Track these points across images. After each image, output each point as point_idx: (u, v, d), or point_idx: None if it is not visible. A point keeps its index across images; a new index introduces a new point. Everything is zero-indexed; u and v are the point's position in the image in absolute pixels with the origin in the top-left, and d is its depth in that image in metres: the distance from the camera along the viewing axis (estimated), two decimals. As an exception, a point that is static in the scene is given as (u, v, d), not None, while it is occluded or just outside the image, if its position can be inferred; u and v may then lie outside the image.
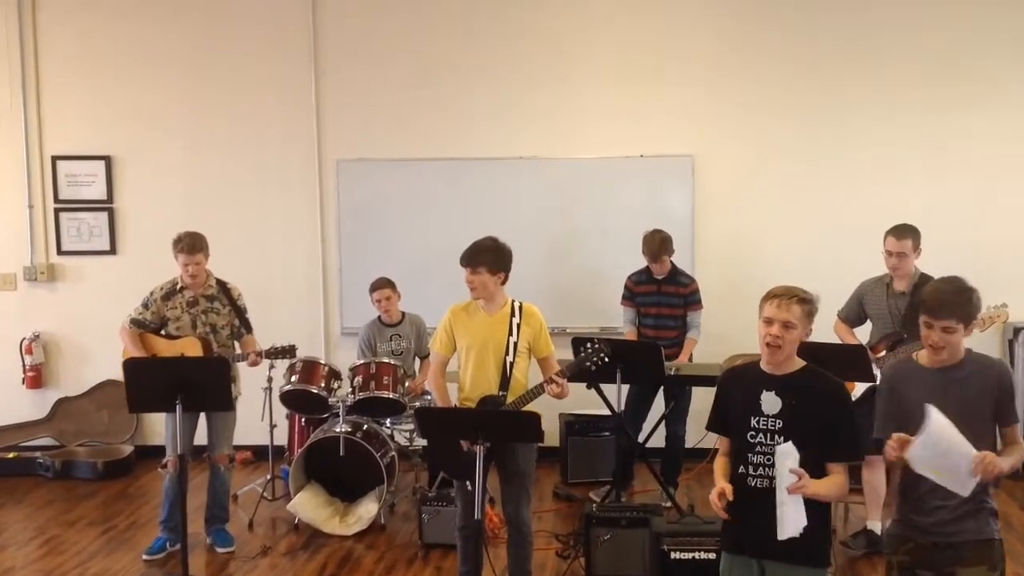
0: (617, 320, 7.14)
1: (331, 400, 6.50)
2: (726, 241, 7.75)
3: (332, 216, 8.05)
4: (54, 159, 8.13)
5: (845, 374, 4.04)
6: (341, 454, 6.28)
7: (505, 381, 4.90)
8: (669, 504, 6.40)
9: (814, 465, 3.51)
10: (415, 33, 7.88)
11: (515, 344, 4.93)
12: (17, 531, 6.60)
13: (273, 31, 7.95)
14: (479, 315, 4.99)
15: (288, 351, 6.19)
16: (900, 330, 5.78)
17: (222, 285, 6.15)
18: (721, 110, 7.74)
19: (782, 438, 3.52)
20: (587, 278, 7.80)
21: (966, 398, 3.45)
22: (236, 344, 6.20)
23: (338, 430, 6.33)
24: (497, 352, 4.92)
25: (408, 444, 7.06)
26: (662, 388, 6.80)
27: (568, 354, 5.79)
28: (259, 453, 7.69)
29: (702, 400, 6.36)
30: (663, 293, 6.85)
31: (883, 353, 5.75)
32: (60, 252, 8.21)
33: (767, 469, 3.54)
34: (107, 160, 8.10)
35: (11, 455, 7.93)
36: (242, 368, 6.15)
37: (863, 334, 6.12)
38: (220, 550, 6.11)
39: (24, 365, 8.17)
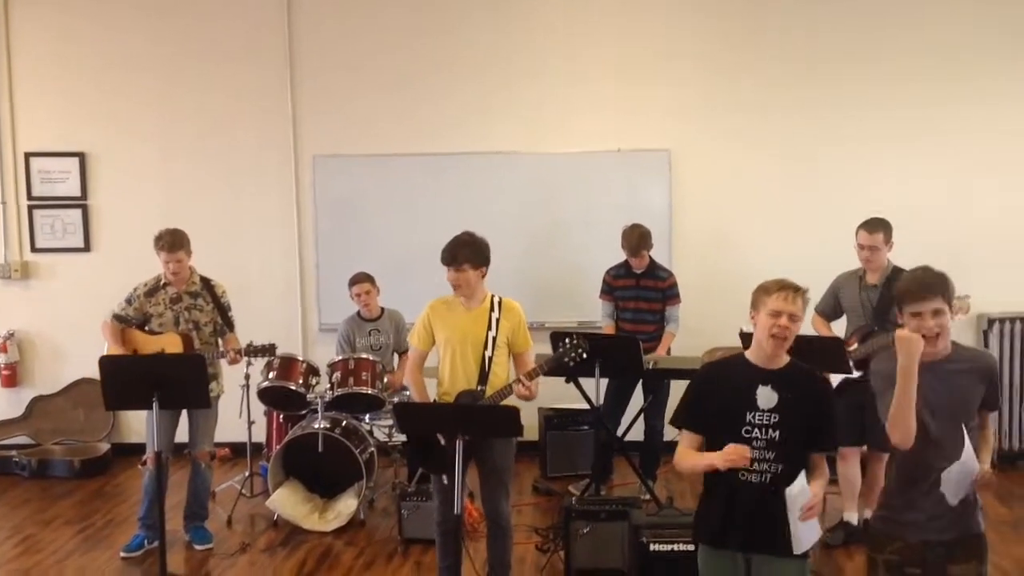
0: (596, 314, 7.15)
1: (309, 396, 6.48)
2: (703, 235, 7.77)
3: (309, 212, 8.02)
4: (27, 155, 8.07)
5: (822, 366, 4.06)
6: (320, 450, 6.27)
7: (484, 375, 4.89)
8: (648, 497, 6.43)
9: (802, 457, 3.56)
10: (393, 29, 7.86)
11: (494, 338, 4.92)
12: (-7, 530, 6.57)
13: (248, 28, 7.92)
14: (458, 309, 4.98)
15: (268, 350, 6.19)
16: (871, 322, 5.83)
17: (206, 282, 6.13)
18: (697, 105, 7.76)
19: (776, 433, 3.52)
20: (566, 272, 7.81)
21: (960, 391, 3.45)
22: (219, 341, 6.18)
23: (317, 426, 6.32)
24: (476, 346, 4.91)
25: (387, 440, 7.06)
26: (640, 382, 6.82)
27: (547, 348, 5.81)
28: (237, 450, 7.67)
29: (680, 394, 6.38)
30: (641, 287, 6.87)
31: (855, 346, 5.79)
32: (34, 249, 8.15)
33: (761, 464, 3.53)
34: (81, 157, 8.04)
35: (-14, 454, 7.88)
36: (223, 365, 6.12)
37: (839, 328, 6.17)
38: (198, 547, 6.09)
39: (-1, 363, 8.12)
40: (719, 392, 3.67)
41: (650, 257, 6.87)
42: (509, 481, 5.03)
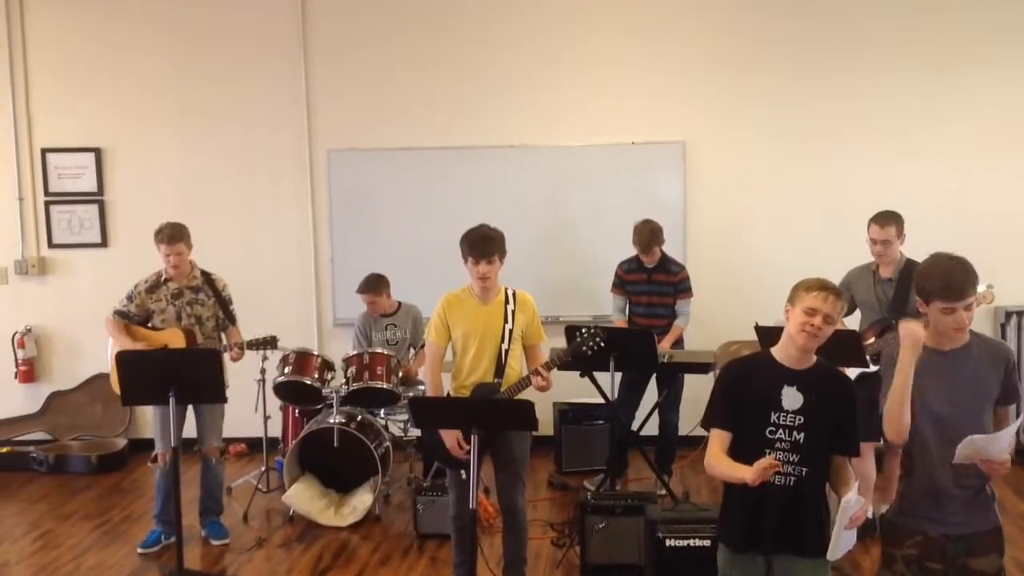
0: (609, 307, 7.13)
1: (325, 391, 6.49)
2: (718, 228, 7.74)
3: (324, 206, 8.03)
4: (43, 151, 8.10)
5: (839, 359, 4.03)
6: (335, 445, 6.29)
7: (500, 368, 4.90)
8: (663, 492, 6.41)
9: (827, 460, 3.55)
10: (405, 23, 7.86)
11: (510, 331, 4.92)
12: (11, 526, 6.60)
13: (263, 22, 7.92)
14: (473, 303, 4.97)
15: (269, 342, 6.16)
16: (888, 316, 5.79)
17: (207, 276, 6.13)
18: (712, 96, 7.73)
19: (801, 435, 3.48)
20: (579, 266, 7.80)
21: (974, 379, 3.41)
22: (222, 335, 6.18)
23: (332, 421, 6.33)
24: (493, 339, 4.91)
25: (402, 434, 7.07)
26: (654, 376, 6.81)
27: (561, 342, 5.79)
28: (253, 445, 7.69)
29: (695, 387, 6.39)
30: (653, 281, 6.85)
31: (872, 340, 5.77)
32: (51, 245, 8.18)
33: (786, 466, 3.48)
34: (97, 152, 8.07)
35: (4, 450, 7.92)
36: (227, 360, 6.12)
37: (852, 324, 6.15)
38: (215, 542, 6.11)
39: (16, 359, 8.15)
40: (745, 390, 3.59)
41: (662, 251, 6.85)
42: (525, 474, 5.03)
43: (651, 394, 6.87)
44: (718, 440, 3.60)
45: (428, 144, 7.85)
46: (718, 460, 3.55)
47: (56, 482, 7.51)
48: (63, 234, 8.16)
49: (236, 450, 7.94)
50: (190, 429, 5.99)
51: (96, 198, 8.11)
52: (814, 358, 3.57)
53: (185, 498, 5.46)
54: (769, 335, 4.68)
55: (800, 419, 3.49)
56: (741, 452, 3.51)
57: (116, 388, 5.94)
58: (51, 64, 8.06)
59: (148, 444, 6.13)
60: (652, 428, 6.85)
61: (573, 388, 6.59)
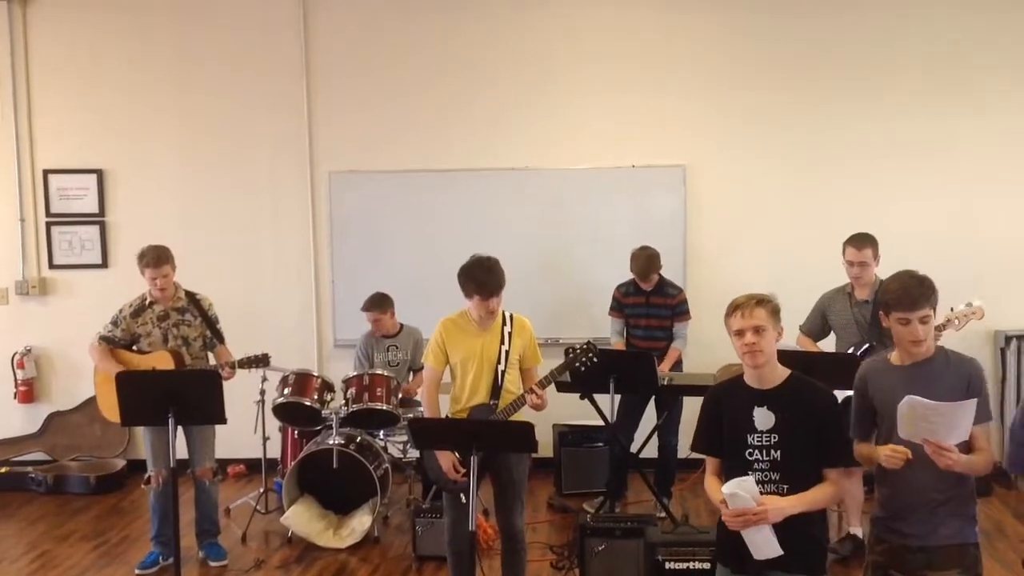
0: (609, 330, 7.13)
1: (324, 412, 6.49)
2: (718, 251, 7.76)
3: (324, 228, 8.05)
4: (45, 172, 8.13)
5: (836, 382, 4.05)
6: (334, 467, 6.27)
7: (496, 390, 4.90)
8: (663, 514, 6.40)
9: (813, 474, 3.55)
10: (406, 46, 7.90)
11: (507, 353, 4.93)
12: (9, 546, 6.58)
13: (265, 45, 7.97)
14: (471, 327, 4.98)
15: (261, 360, 6.14)
16: (867, 338, 5.85)
17: (191, 296, 6.11)
18: (713, 120, 7.76)
19: (778, 453, 3.53)
20: (580, 288, 7.81)
21: (937, 393, 3.42)
22: (209, 356, 6.17)
23: (331, 442, 6.32)
24: (490, 362, 4.92)
25: (402, 456, 7.06)
26: (654, 398, 6.81)
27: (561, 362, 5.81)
28: (252, 466, 7.68)
29: (694, 410, 6.32)
30: (651, 304, 6.86)
31: None
32: (52, 266, 8.19)
33: (767, 485, 3.53)
34: (99, 174, 8.09)
35: (3, 470, 7.90)
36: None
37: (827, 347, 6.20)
38: (213, 564, 6.09)
39: (16, 380, 8.15)
40: (722, 415, 3.70)
41: (659, 275, 6.86)
42: (524, 496, 5.02)
43: (651, 416, 6.87)
44: (710, 465, 3.77)
45: (429, 166, 7.88)
46: (710, 486, 3.72)
47: (54, 502, 7.50)
48: (64, 255, 8.18)
49: (235, 471, 7.92)
50: (181, 451, 5.98)
51: (97, 219, 8.13)
52: (784, 374, 3.63)
53: (182, 520, 5.45)
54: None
55: (775, 437, 3.55)
56: (728, 475, 3.61)
57: (104, 411, 5.97)
58: (54, 85, 8.10)
59: (146, 465, 6.11)
60: (652, 451, 6.83)
61: (573, 410, 6.59)
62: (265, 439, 6.84)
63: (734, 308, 3.60)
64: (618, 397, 6.40)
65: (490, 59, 7.88)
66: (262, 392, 6.71)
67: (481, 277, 4.86)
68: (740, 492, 3.42)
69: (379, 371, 6.67)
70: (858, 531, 5.87)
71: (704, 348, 7.03)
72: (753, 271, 7.57)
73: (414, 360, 7.07)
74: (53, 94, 8.11)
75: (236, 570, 6.03)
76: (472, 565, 4.72)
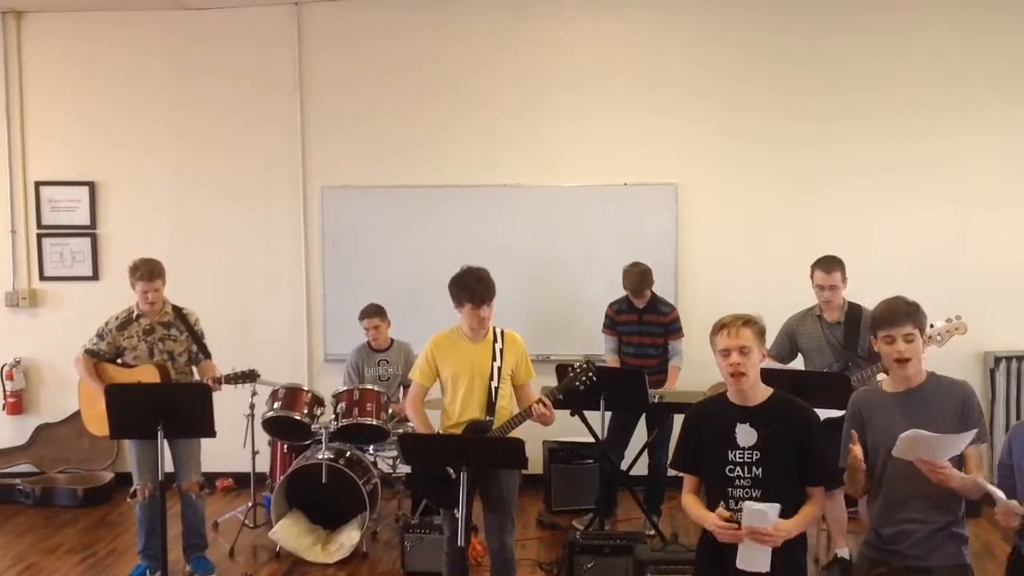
0: (601, 347, 7.13)
1: (314, 427, 6.48)
2: (709, 269, 7.77)
3: (316, 243, 8.05)
4: (37, 184, 8.12)
5: (826, 402, 4.07)
6: (323, 481, 6.26)
7: (491, 406, 4.90)
8: (652, 532, 6.39)
9: (793, 492, 3.56)
10: (400, 62, 7.92)
11: (499, 369, 4.93)
12: (-5, 559, 6.55)
13: (258, 59, 7.99)
14: (462, 343, 4.99)
15: (248, 376, 6.13)
16: (840, 360, 5.88)
17: (178, 311, 6.08)
18: (705, 139, 7.79)
19: (760, 470, 3.54)
20: (571, 305, 7.81)
21: (931, 419, 3.45)
22: (194, 370, 6.14)
23: (321, 457, 6.31)
24: (482, 378, 4.92)
25: (391, 471, 7.04)
26: (644, 415, 6.81)
27: (551, 381, 5.80)
28: (241, 480, 7.65)
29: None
30: (644, 322, 6.87)
31: None
32: (43, 278, 8.18)
33: (749, 502, 3.53)
34: (91, 186, 8.09)
35: (-10, 482, 7.87)
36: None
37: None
38: (200, 577, 6.07)
39: (4, 391, 8.13)
40: (704, 432, 3.72)
41: (652, 292, 6.87)
42: (514, 513, 5.01)
43: (641, 434, 6.87)
44: (688, 483, 3.81)
45: (421, 182, 7.89)
46: (687, 502, 3.78)
47: (42, 515, 7.47)
48: (55, 267, 8.16)
49: (223, 485, 7.90)
50: (168, 464, 5.96)
51: (89, 231, 8.13)
52: (767, 392, 3.66)
53: (169, 534, 5.43)
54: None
55: (756, 454, 3.57)
56: (708, 492, 3.69)
57: (88, 425, 5.95)
58: (46, 97, 8.11)
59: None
60: (642, 468, 6.84)
61: (563, 427, 6.58)
62: (254, 453, 6.82)
63: (720, 327, 3.63)
64: (608, 414, 6.41)
65: (483, 76, 7.91)
66: (252, 406, 6.70)
67: (472, 285, 4.88)
68: (768, 512, 3.42)
69: (369, 386, 6.67)
70: (844, 552, 5.86)
71: (695, 366, 7.00)
72: (744, 290, 7.56)
73: (404, 376, 7.05)
74: (46, 106, 8.12)
75: (224, 584, 6.01)
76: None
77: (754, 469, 3.55)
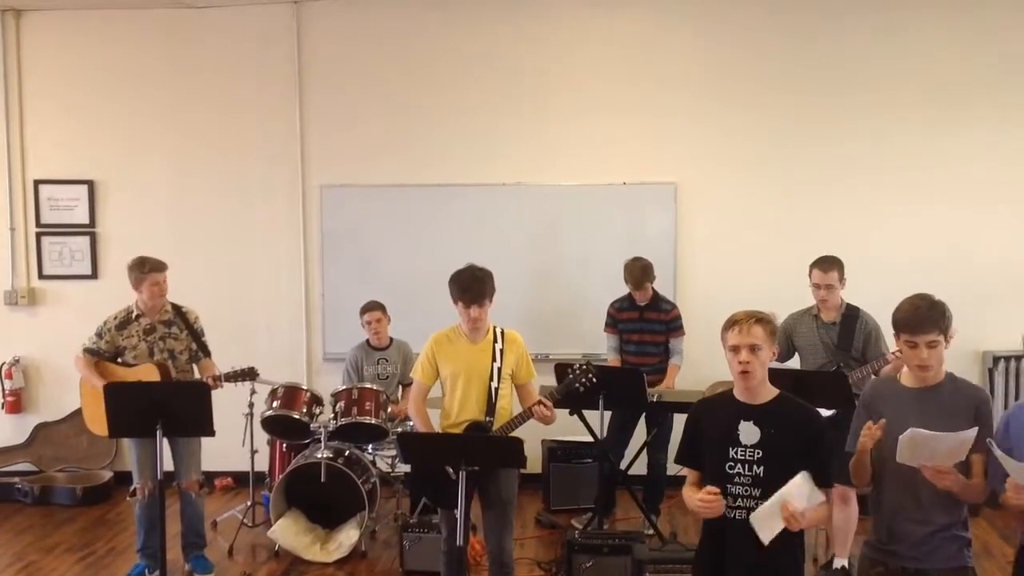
0: (600, 346, 7.15)
1: (313, 426, 6.48)
2: (709, 268, 7.78)
3: (315, 242, 8.05)
4: (36, 183, 8.12)
5: (824, 401, 4.07)
6: (322, 480, 6.26)
7: (491, 407, 4.89)
8: (651, 531, 6.40)
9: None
10: (399, 60, 7.92)
11: (499, 369, 4.93)
12: (-6, 557, 6.55)
13: (258, 57, 7.98)
14: (462, 342, 4.99)
15: (248, 374, 6.14)
16: (833, 360, 5.89)
17: (177, 309, 6.09)
18: (704, 138, 7.79)
19: (761, 468, 3.53)
20: (570, 304, 7.81)
21: (944, 418, 3.44)
22: (194, 368, 6.15)
23: (319, 456, 6.31)
24: (481, 378, 4.91)
25: (390, 470, 7.05)
26: (644, 415, 6.81)
27: (552, 379, 5.81)
28: (240, 479, 7.65)
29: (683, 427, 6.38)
30: (645, 320, 6.87)
31: None
32: (41, 276, 8.18)
33: (746, 500, 3.53)
34: (90, 184, 8.09)
35: (-11, 480, 7.87)
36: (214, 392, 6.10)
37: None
38: (199, 576, 6.07)
39: (3, 390, 8.12)
40: (707, 429, 3.71)
41: (653, 289, 6.88)
42: (512, 515, 5.00)
43: (641, 433, 6.87)
44: (690, 476, 3.78)
45: (420, 181, 7.89)
46: (686, 495, 3.74)
47: (41, 513, 7.47)
48: (54, 265, 8.16)
49: (222, 484, 7.90)
50: (167, 463, 5.95)
51: (88, 230, 8.12)
52: (774, 392, 3.64)
53: (167, 532, 5.43)
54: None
55: (759, 453, 3.55)
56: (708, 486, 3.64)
57: (90, 423, 5.94)
58: (46, 95, 8.11)
59: (131, 477, 6.09)
60: (641, 467, 6.84)
61: (562, 426, 6.58)
62: (253, 452, 6.82)
63: (732, 323, 3.60)
64: (608, 413, 6.41)
65: (483, 75, 7.90)
66: (251, 405, 6.70)
67: (466, 283, 4.88)
68: (807, 488, 3.43)
69: (368, 385, 6.67)
70: (843, 562, 5.83)
71: (694, 365, 7.03)
72: (743, 288, 7.54)
73: (403, 375, 7.06)
74: (45, 104, 8.11)
75: (222, 583, 6.01)
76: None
77: (755, 467, 3.54)
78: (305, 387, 6.74)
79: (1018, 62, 7.53)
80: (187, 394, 5.28)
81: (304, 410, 6.51)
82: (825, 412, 3.97)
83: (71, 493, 7.68)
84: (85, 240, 8.13)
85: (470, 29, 7.89)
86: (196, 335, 6.11)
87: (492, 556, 5.00)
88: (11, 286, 8.14)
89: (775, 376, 3.70)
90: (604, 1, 7.78)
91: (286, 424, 6.54)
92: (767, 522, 3.43)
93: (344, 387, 6.67)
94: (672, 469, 6.74)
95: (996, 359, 7.51)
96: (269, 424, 6.58)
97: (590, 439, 6.48)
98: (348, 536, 6.39)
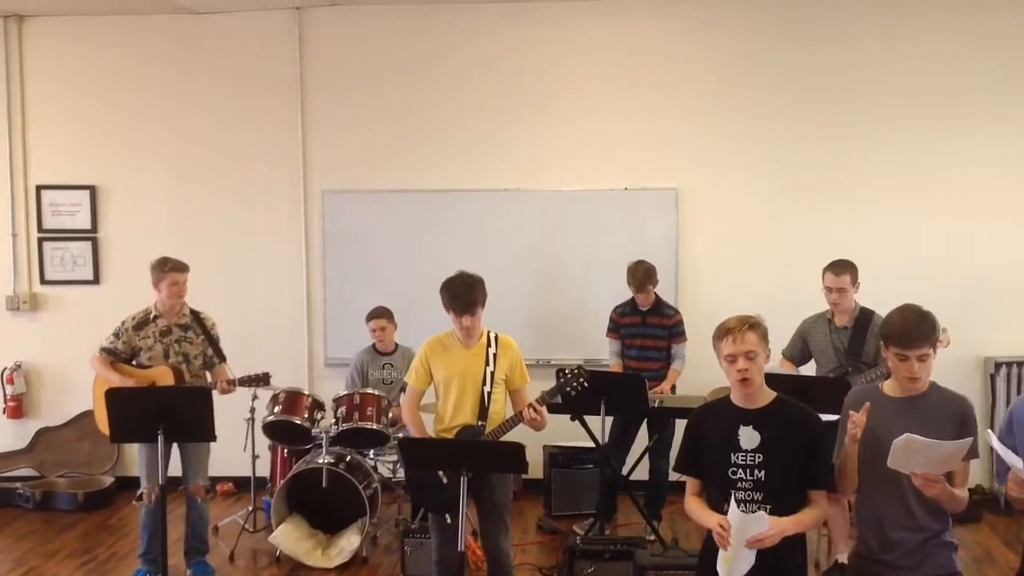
0: (601, 351, 7.16)
1: (314, 431, 6.48)
2: (710, 273, 7.77)
3: (317, 247, 8.05)
4: (38, 188, 8.13)
5: (826, 407, 4.06)
6: (324, 485, 6.26)
7: (484, 411, 4.90)
8: (653, 537, 6.39)
9: (795, 496, 3.55)
10: (401, 66, 7.93)
11: (492, 374, 4.93)
12: (-5, 563, 6.55)
13: (260, 63, 7.99)
14: (456, 347, 4.99)
15: (262, 379, 6.14)
16: (844, 364, 5.88)
17: (195, 315, 6.12)
18: (705, 143, 7.78)
19: (762, 472, 3.53)
20: (571, 310, 7.81)
21: (929, 428, 3.42)
22: (208, 374, 6.15)
23: (321, 461, 6.31)
24: (475, 383, 4.92)
25: (391, 475, 7.04)
26: (646, 420, 6.81)
27: (551, 385, 5.80)
28: (241, 484, 7.65)
29: (685, 433, 6.38)
30: (647, 324, 6.88)
31: None
32: (43, 281, 8.18)
33: (750, 505, 3.53)
34: (92, 190, 8.10)
35: (-10, 486, 7.86)
36: (216, 398, 6.10)
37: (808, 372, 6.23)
38: (200, 583, 6.06)
39: (5, 395, 8.13)
40: (707, 435, 3.71)
41: (656, 294, 6.88)
42: (508, 518, 5.00)
43: (642, 438, 6.87)
44: (691, 485, 3.78)
45: (421, 186, 7.89)
46: (690, 505, 3.75)
47: (42, 519, 7.46)
48: (56, 270, 8.17)
49: (223, 489, 7.90)
50: (175, 467, 5.96)
51: (90, 235, 8.13)
52: (771, 395, 3.65)
53: (170, 537, 5.43)
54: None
55: (759, 457, 3.55)
56: (709, 494, 3.67)
57: (101, 425, 5.94)
58: (48, 101, 8.12)
59: (135, 482, 6.09)
60: (642, 473, 6.83)
61: (563, 431, 6.59)
62: (255, 457, 6.83)
63: (725, 332, 3.59)
64: (609, 419, 6.40)
65: (484, 80, 7.91)
66: (252, 410, 6.70)
67: (456, 292, 4.89)
68: (764, 517, 3.44)
69: (370, 390, 6.66)
70: (844, 557, 5.86)
71: (696, 370, 7.01)
72: (745, 294, 7.56)
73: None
74: (47, 110, 8.12)
75: (223, 589, 6.01)
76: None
77: (756, 472, 3.54)
78: (307, 392, 6.72)
79: (1019, 67, 7.53)
80: (189, 399, 5.28)
81: (305, 415, 6.50)
82: (828, 417, 3.96)
83: (72, 498, 7.67)
84: (87, 245, 8.13)
85: (471, 34, 7.90)
86: (212, 340, 6.13)
87: (491, 558, 5.00)
88: (13, 291, 8.14)
89: (776, 382, 3.70)
90: (604, 6, 7.79)
91: (287, 429, 6.53)
92: (737, 564, 3.45)
93: (346, 392, 6.66)
94: (674, 475, 6.71)
95: (998, 365, 7.50)
96: (270, 429, 6.57)
97: (592, 444, 6.47)
98: (349, 542, 6.39)
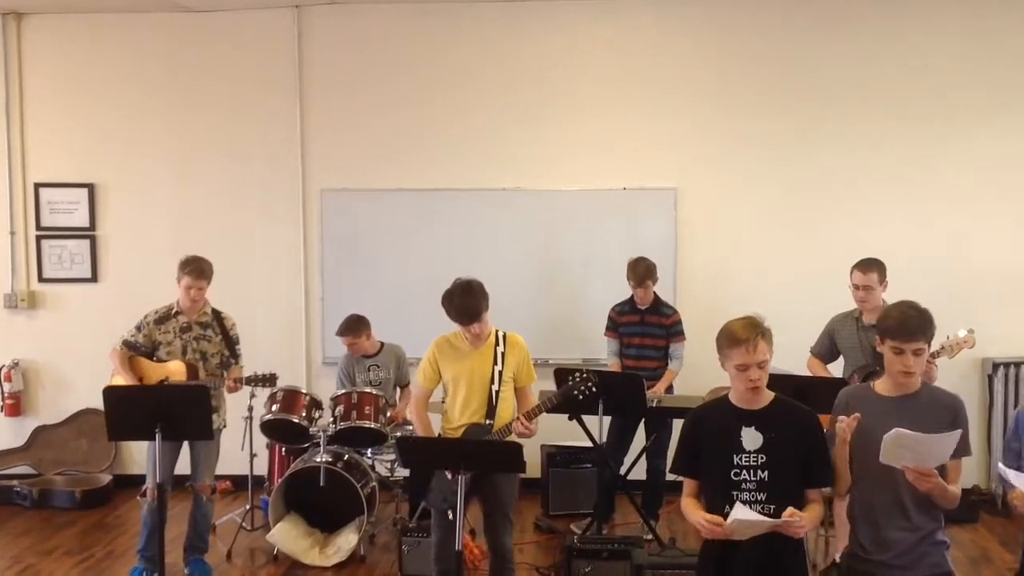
0: (599, 351, 7.16)
1: (312, 430, 6.48)
2: (708, 273, 7.77)
3: (315, 245, 8.05)
4: (37, 186, 8.12)
5: (825, 408, 4.06)
6: (321, 484, 6.25)
7: (491, 410, 4.91)
8: (650, 537, 6.39)
9: (797, 495, 3.55)
10: (400, 65, 7.92)
11: (500, 372, 4.95)
12: (-8, 560, 6.55)
13: (259, 61, 7.98)
14: (464, 346, 5.00)
15: (268, 379, 6.15)
16: (872, 362, 5.86)
17: (217, 314, 6.13)
18: (704, 143, 7.78)
19: (765, 473, 3.54)
20: (569, 309, 7.81)
21: (921, 426, 3.42)
22: (224, 373, 6.15)
23: (319, 460, 6.30)
24: (483, 381, 4.94)
25: (389, 474, 7.04)
26: (643, 420, 6.81)
27: (551, 384, 5.80)
28: (239, 483, 7.64)
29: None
30: (646, 323, 6.88)
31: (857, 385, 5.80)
32: (41, 279, 8.18)
33: (753, 506, 3.53)
34: (90, 188, 8.09)
35: (-12, 483, 7.86)
36: (225, 398, 6.11)
37: (836, 369, 6.20)
38: (198, 581, 6.06)
39: (3, 392, 8.11)
40: (707, 436, 3.70)
41: (655, 294, 6.89)
42: (512, 515, 5.02)
43: (640, 438, 6.87)
44: (687, 486, 3.78)
45: (421, 186, 7.89)
46: (686, 506, 3.74)
47: (39, 517, 7.46)
48: (54, 268, 8.16)
49: (221, 487, 7.87)
50: (184, 466, 5.96)
51: (88, 233, 8.12)
52: (770, 395, 3.65)
53: (170, 535, 5.43)
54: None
55: (762, 458, 3.56)
56: (710, 496, 3.65)
57: None
58: (46, 99, 8.11)
59: (133, 480, 6.11)
60: (640, 472, 6.83)
61: (561, 431, 6.59)
62: (252, 456, 6.82)
63: (736, 342, 3.55)
64: (607, 419, 6.40)
65: (483, 80, 7.91)
66: (250, 408, 6.69)
67: (459, 304, 4.90)
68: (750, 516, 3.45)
69: (367, 389, 6.66)
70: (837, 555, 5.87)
71: (694, 370, 7.02)
72: (743, 294, 7.58)
73: (398, 378, 7.04)
74: (46, 108, 8.12)
75: (221, 587, 6.00)
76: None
77: (759, 472, 3.54)
78: (304, 391, 6.73)
79: (1018, 67, 7.53)
80: (186, 398, 5.27)
81: (303, 414, 6.51)
82: None
83: (70, 496, 7.67)
84: (85, 243, 8.13)
85: (470, 34, 7.89)
86: (230, 341, 6.13)
87: (494, 555, 5.02)
88: (11, 289, 8.14)
89: (776, 382, 3.70)
90: (604, 6, 7.79)
91: (285, 428, 6.53)
92: (748, 524, 3.47)
93: (344, 391, 6.66)
94: (671, 475, 6.74)
95: (996, 365, 7.50)
96: (268, 428, 6.57)
97: (589, 444, 6.47)
98: (347, 540, 6.39)
